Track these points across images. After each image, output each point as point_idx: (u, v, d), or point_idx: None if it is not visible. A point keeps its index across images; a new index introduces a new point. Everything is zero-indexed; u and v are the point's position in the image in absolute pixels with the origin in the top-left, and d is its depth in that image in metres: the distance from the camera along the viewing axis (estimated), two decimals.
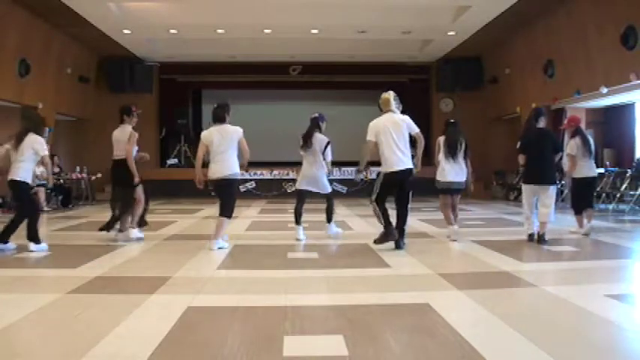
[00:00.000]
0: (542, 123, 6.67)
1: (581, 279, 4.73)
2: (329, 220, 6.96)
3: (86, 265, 5.14)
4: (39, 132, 6.23)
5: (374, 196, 5.99)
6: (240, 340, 3.00)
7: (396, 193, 6.05)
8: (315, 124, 6.91)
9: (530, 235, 6.51)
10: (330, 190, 6.93)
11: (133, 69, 15.03)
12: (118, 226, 6.78)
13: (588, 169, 7.11)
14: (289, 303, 3.79)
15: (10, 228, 5.99)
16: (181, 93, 16.18)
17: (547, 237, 6.35)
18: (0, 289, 4.24)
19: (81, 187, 13.32)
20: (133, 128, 6.77)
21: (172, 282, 4.45)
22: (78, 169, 12.91)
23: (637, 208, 9.86)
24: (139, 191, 6.77)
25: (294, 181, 15.06)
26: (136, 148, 6.77)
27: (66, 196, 12.10)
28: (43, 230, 8.48)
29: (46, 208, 11.12)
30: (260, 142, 15.76)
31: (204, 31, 12.47)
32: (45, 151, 6.10)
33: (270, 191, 14.90)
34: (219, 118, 6.08)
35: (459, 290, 4.09)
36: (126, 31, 12.35)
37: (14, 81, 10.87)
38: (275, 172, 14.86)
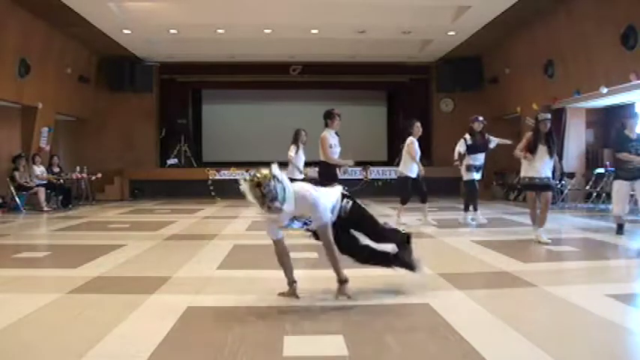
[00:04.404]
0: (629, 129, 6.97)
1: (581, 279, 4.74)
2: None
3: (86, 265, 5.14)
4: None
5: None
6: (240, 340, 3.00)
7: None
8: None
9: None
10: None
11: (133, 69, 15.01)
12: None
13: None
14: (289, 303, 3.79)
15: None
16: (181, 93, 16.16)
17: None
18: (0, 289, 4.24)
19: (81, 187, 13.32)
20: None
21: (172, 282, 4.45)
22: (78, 169, 12.89)
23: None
24: None
25: (293, 181, 15.05)
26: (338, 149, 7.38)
27: (66, 196, 12.09)
28: (42, 230, 8.51)
29: (45, 208, 11.13)
30: (260, 142, 15.81)
31: (204, 31, 12.45)
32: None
33: None
34: None
35: (459, 290, 4.09)
36: (126, 31, 12.34)
37: (14, 81, 10.85)
38: None
